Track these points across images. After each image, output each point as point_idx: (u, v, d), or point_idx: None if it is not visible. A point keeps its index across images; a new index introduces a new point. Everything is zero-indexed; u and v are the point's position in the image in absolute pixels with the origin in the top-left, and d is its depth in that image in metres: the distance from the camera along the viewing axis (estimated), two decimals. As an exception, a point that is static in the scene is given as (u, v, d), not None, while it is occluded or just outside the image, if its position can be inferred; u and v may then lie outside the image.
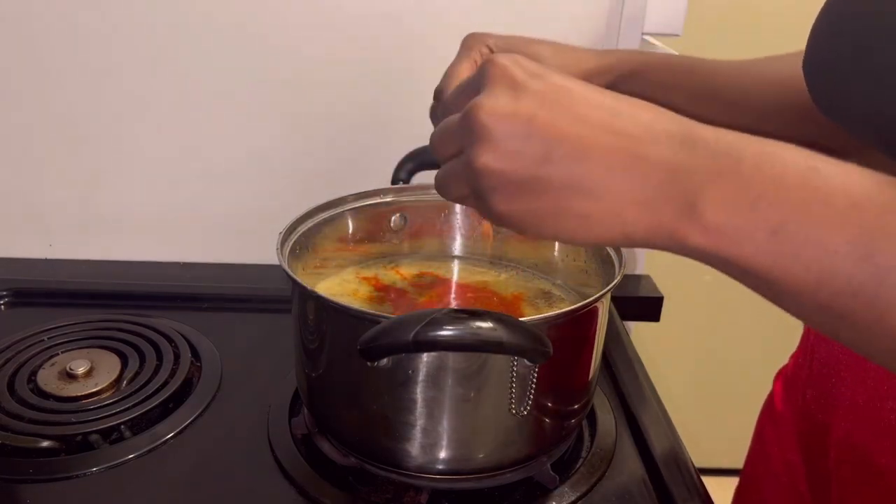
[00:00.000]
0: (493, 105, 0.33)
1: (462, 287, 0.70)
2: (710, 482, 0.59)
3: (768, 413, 0.70)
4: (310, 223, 0.64)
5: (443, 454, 0.53)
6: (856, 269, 0.27)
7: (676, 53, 0.70)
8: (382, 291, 0.67)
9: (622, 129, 0.32)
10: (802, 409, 0.63)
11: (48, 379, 0.66)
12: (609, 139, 0.32)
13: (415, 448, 0.53)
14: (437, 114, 0.59)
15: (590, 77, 0.63)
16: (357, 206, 0.69)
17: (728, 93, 0.62)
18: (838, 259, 0.28)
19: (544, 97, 0.33)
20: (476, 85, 0.36)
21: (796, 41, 0.54)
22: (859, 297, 0.27)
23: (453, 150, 0.36)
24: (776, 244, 0.29)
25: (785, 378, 0.68)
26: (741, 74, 0.63)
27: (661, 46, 0.87)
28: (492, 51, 0.61)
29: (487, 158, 0.33)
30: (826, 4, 0.48)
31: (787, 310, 0.31)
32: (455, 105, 0.37)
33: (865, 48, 0.43)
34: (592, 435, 0.63)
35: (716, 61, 0.64)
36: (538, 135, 0.32)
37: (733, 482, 0.78)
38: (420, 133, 0.76)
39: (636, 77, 0.63)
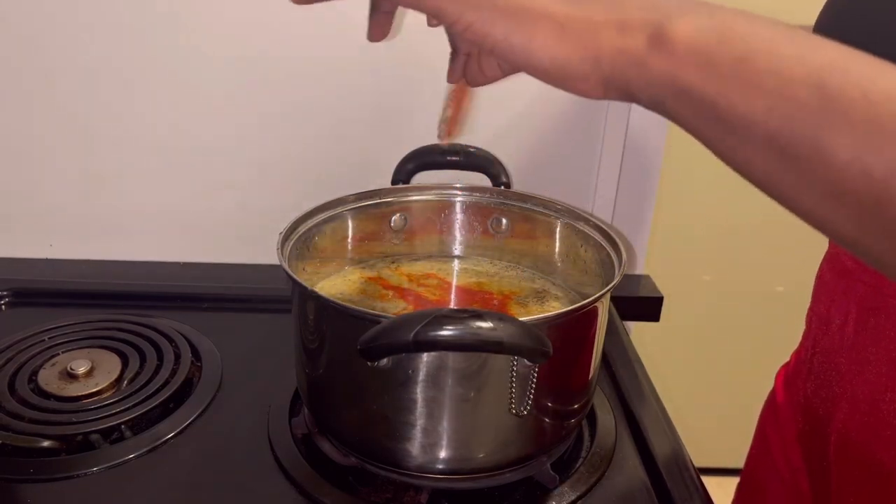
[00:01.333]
0: None
1: (460, 286, 0.70)
2: (710, 482, 0.59)
3: (770, 410, 0.71)
4: (310, 223, 0.65)
5: (443, 454, 0.53)
6: (808, 94, 0.29)
7: None
8: (391, 290, 0.68)
9: None
10: (803, 404, 0.63)
11: (49, 379, 0.66)
12: None
13: (415, 448, 0.53)
14: None
15: None
16: (357, 206, 0.69)
17: None
18: (794, 86, 0.29)
19: None
20: None
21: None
22: (805, 125, 0.29)
23: None
24: (738, 71, 0.30)
25: (786, 375, 0.69)
26: None
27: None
28: None
29: None
30: (828, 2, 0.49)
31: (731, 148, 0.32)
32: None
33: (865, 44, 0.43)
34: (592, 435, 0.64)
35: None
36: None
37: (733, 482, 0.78)
38: (420, 133, 0.76)
39: None
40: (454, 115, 0.52)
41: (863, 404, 0.54)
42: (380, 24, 0.42)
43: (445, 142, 0.55)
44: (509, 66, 0.38)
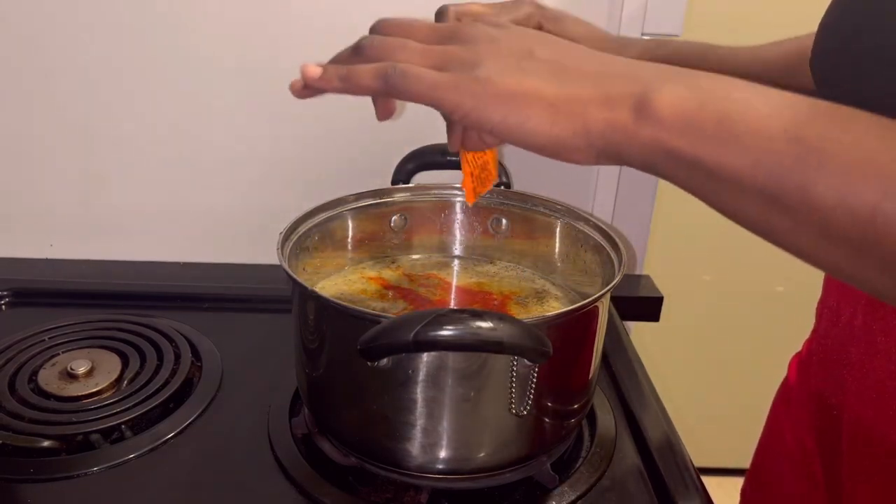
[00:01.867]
0: (490, 24, 0.39)
1: (460, 286, 0.70)
2: (709, 482, 0.59)
3: (783, 396, 0.71)
4: (310, 223, 0.65)
5: (443, 454, 0.53)
6: (788, 149, 0.31)
7: (686, 41, 0.71)
8: (391, 290, 0.68)
9: (593, 51, 0.38)
10: (815, 393, 0.64)
11: (49, 379, 0.67)
12: (581, 52, 0.38)
13: (415, 448, 0.53)
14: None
15: None
16: (357, 206, 0.69)
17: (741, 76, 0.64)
18: (774, 142, 0.31)
19: (528, 30, 0.40)
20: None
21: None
22: (789, 176, 0.31)
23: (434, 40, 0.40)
24: (720, 132, 0.32)
25: (799, 363, 0.69)
26: (752, 59, 0.65)
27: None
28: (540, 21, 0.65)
29: (484, 33, 0.38)
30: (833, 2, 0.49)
31: (725, 202, 0.34)
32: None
33: (871, 41, 0.43)
34: (592, 435, 0.64)
35: (727, 47, 0.66)
36: (525, 35, 0.39)
37: (733, 482, 0.78)
38: (420, 134, 0.76)
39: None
40: (465, 178, 0.53)
41: (873, 392, 0.55)
42: (385, 104, 0.44)
43: (472, 201, 0.56)
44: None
